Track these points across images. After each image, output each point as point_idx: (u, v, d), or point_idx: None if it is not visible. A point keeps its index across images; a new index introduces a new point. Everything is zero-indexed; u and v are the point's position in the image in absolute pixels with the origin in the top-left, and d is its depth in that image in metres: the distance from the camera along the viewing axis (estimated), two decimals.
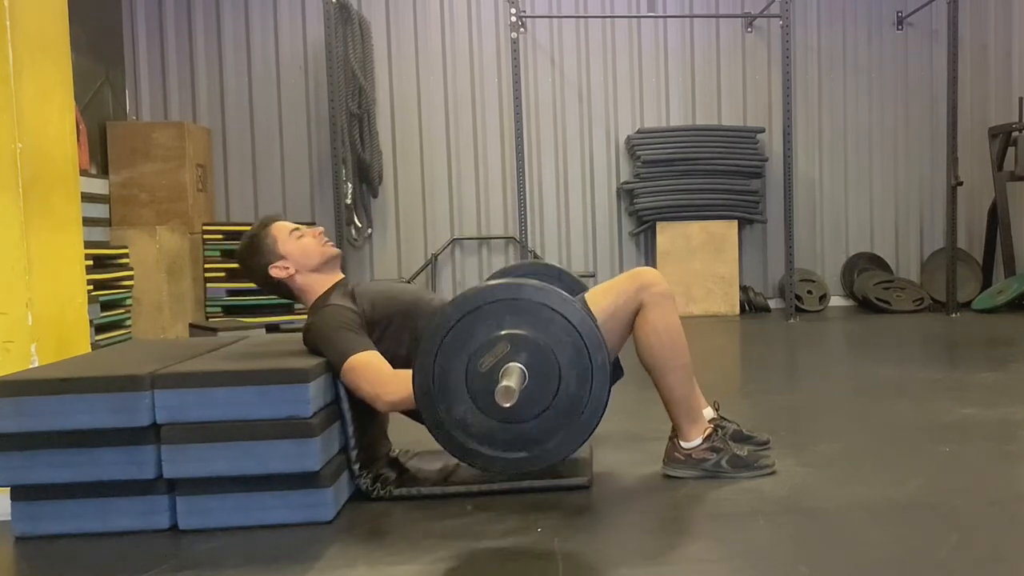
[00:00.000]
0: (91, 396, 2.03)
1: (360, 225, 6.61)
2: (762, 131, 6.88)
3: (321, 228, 2.53)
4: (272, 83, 6.77)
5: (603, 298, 2.35)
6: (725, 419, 2.44)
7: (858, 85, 7.17)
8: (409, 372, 2.20)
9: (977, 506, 2.14)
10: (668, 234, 6.64)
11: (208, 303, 5.91)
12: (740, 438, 2.41)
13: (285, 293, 2.49)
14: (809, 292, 6.84)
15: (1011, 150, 6.47)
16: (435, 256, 6.81)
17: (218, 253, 5.87)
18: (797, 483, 2.33)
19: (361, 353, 2.25)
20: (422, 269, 6.81)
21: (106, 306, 4.80)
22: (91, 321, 3.10)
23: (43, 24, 2.50)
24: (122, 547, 2.03)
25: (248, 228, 2.59)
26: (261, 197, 6.78)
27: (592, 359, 2.14)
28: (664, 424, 2.50)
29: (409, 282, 6.59)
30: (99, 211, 5.83)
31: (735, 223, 6.70)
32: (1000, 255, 6.70)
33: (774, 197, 6.90)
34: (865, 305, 6.78)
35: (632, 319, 2.37)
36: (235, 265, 2.52)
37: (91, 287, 3.99)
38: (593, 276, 6.73)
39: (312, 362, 2.17)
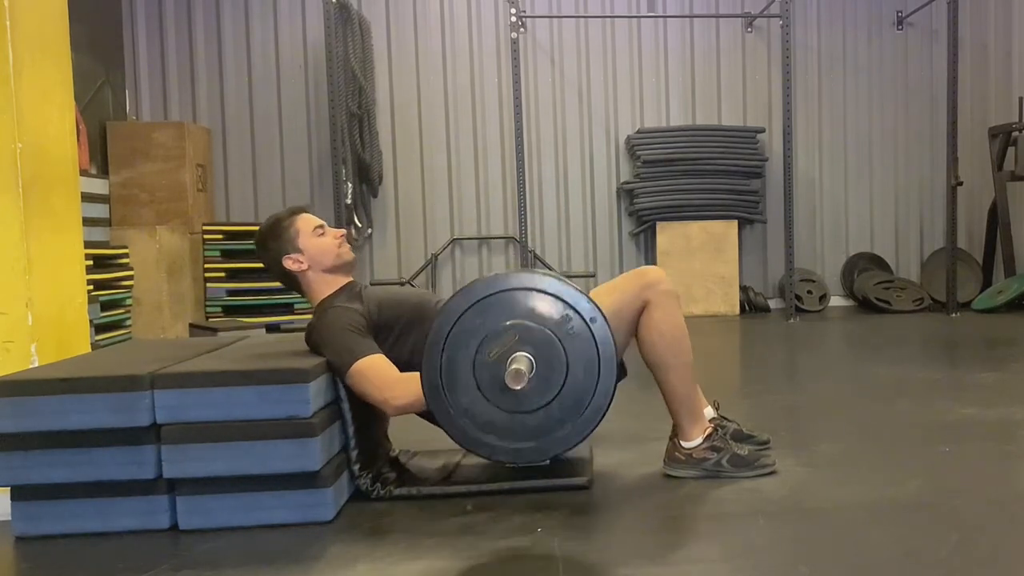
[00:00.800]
0: (91, 396, 2.03)
1: (360, 225, 6.61)
2: (762, 131, 6.88)
3: (344, 231, 2.54)
4: (272, 83, 6.77)
5: (607, 296, 2.35)
6: (725, 418, 2.44)
7: (858, 85, 7.17)
8: (416, 375, 2.20)
9: (977, 506, 2.14)
10: (668, 234, 6.64)
11: (208, 303, 5.91)
12: (740, 437, 2.42)
13: (292, 284, 2.48)
14: (809, 292, 6.84)
15: (1011, 150, 6.46)
16: (435, 256, 6.81)
17: (218, 253, 5.87)
18: (797, 483, 2.33)
19: (367, 357, 2.25)
20: (422, 269, 6.81)
21: (106, 306, 4.80)
22: (91, 321, 3.10)
23: (43, 24, 2.50)
24: (122, 547, 2.03)
25: (248, 228, 2.59)
26: (261, 197, 6.78)
27: (600, 352, 2.14)
28: (664, 424, 2.50)
29: (410, 282, 6.60)
30: (99, 211, 5.83)
31: (735, 223, 6.69)
32: (1000, 255, 6.70)
33: (774, 197, 6.90)
34: (865, 305, 6.78)
35: (636, 318, 2.37)
36: (255, 264, 2.53)
37: (91, 287, 3.99)
38: (593, 276, 6.73)
39: (312, 362, 2.17)
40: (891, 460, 2.57)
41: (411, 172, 6.89)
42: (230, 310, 5.91)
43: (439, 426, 2.24)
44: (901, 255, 7.27)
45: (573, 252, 7.00)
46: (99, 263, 4.81)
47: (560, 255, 6.97)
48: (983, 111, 7.14)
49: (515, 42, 6.42)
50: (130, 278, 5.17)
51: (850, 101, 7.18)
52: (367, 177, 6.56)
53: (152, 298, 5.57)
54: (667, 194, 6.65)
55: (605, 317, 2.16)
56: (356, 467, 2.29)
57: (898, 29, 7.17)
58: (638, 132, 6.84)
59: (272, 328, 5.69)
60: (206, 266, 5.90)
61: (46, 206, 2.45)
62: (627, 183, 6.89)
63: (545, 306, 2.14)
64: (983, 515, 2.08)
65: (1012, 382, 3.73)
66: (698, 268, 6.60)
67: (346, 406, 2.28)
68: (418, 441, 2.75)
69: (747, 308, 6.80)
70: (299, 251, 2.43)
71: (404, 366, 2.30)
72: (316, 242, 2.45)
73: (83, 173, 5.26)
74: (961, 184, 6.31)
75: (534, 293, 2.14)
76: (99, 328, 4.57)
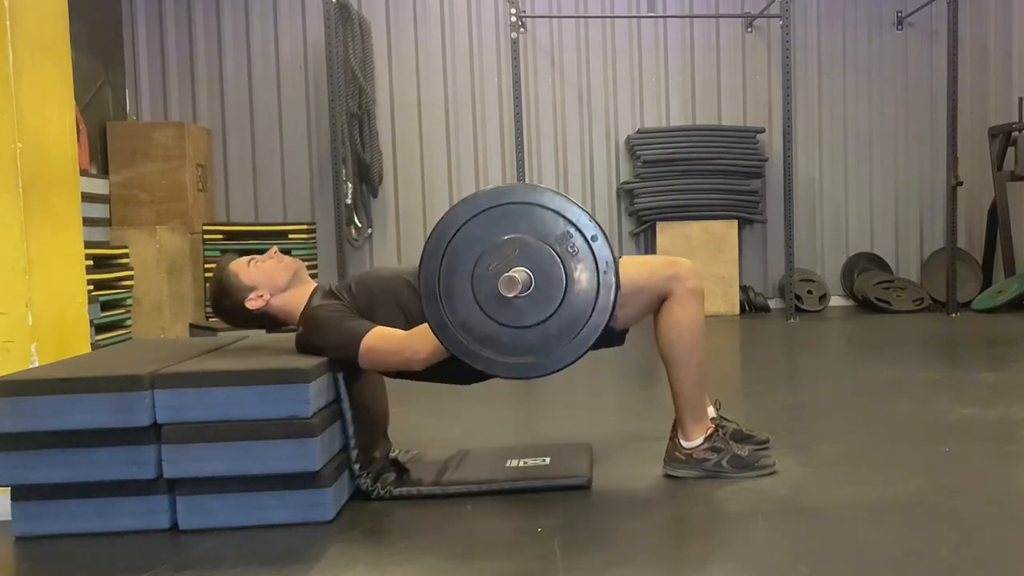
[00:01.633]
0: (91, 396, 2.03)
1: (360, 225, 6.61)
2: (762, 131, 6.87)
3: (274, 248, 2.51)
4: (272, 83, 6.77)
5: (636, 271, 2.32)
6: (725, 419, 2.44)
7: (858, 85, 7.17)
8: (423, 325, 2.17)
9: (977, 506, 2.14)
10: (668, 234, 6.64)
11: (208, 303, 5.90)
12: (740, 438, 2.41)
13: (270, 321, 2.48)
14: (809, 292, 6.84)
15: (1011, 150, 6.46)
16: None
17: (218, 253, 5.86)
18: (797, 483, 2.33)
19: (370, 332, 2.24)
20: None
21: (106, 306, 4.80)
22: (91, 321, 3.10)
23: (43, 24, 2.50)
24: (122, 547, 2.03)
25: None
26: (261, 197, 6.78)
27: (600, 271, 2.08)
28: (664, 424, 2.50)
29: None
30: (99, 211, 5.82)
31: (735, 223, 6.69)
32: (1000, 255, 6.70)
33: (774, 197, 6.90)
34: (865, 305, 6.78)
35: (655, 302, 2.34)
36: (231, 326, 2.54)
37: (91, 287, 3.98)
38: None
39: (312, 362, 2.17)
40: (891, 460, 2.57)
41: (411, 172, 6.89)
42: None
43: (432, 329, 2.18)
44: (901, 255, 7.27)
45: None
46: (99, 263, 4.80)
47: None
48: (983, 111, 7.14)
49: (515, 42, 6.42)
50: (130, 278, 5.16)
51: (850, 101, 7.17)
52: (367, 177, 6.56)
53: (152, 298, 5.57)
54: (667, 194, 6.65)
55: (607, 236, 2.11)
56: (356, 467, 2.29)
57: (898, 29, 7.17)
58: (638, 132, 6.84)
59: (272, 328, 5.68)
60: (206, 266, 5.90)
61: (46, 206, 2.45)
62: (627, 183, 6.89)
63: (547, 222, 2.08)
64: (983, 515, 2.08)
65: (1012, 382, 3.73)
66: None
67: (346, 406, 2.28)
68: (418, 441, 2.76)
69: (747, 308, 6.80)
70: (251, 288, 2.42)
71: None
72: (259, 271, 2.44)
73: (83, 173, 5.26)
74: (961, 184, 6.31)
75: (537, 208, 2.09)
76: (99, 328, 4.57)
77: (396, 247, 6.88)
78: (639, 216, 6.79)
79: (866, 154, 7.20)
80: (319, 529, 2.09)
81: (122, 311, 5.02)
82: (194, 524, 2.10)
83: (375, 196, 6.75)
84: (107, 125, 5.98)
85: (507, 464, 2.50)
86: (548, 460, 2.52)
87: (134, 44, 6.60)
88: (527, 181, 6.65)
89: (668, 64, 7.03)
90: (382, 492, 2.29)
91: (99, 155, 5.91)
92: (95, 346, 3.27)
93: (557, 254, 2.07)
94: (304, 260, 6.02)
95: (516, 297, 2.02)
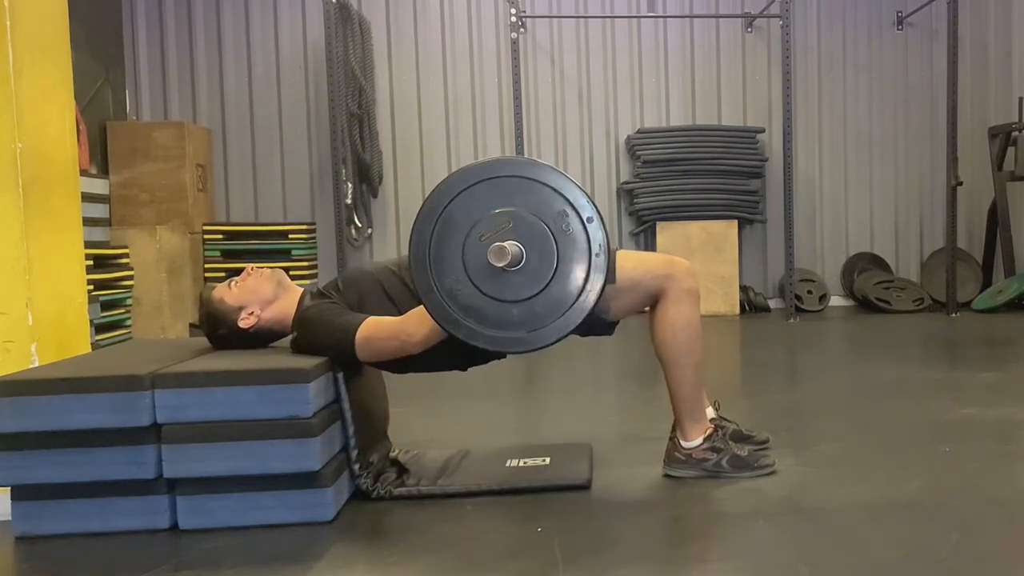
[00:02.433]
0: (91, 396, 2.03)
1: (360, 225, 6.61)
2: (762, 131, 6.87)
3: (250, 266, 2.50)
4: (272, 83, 6.77)
5: (633, 267, 2.32)
6: (725, 419, 2.44)
7: (858, 85, 7.16)
8: (416, 309, 2.17)
9: (977, 506, 2.14)
10: (668, 234, 6.64)
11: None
12: (740, 438, 2.41)
13: (267, 336, 2.46)
14: (809, 292, 6.84)
15: (1011, 150, 6.46)
16: None
17: (218, 253, 5.87)
18: (797, 483, 2.33)
19: (363, 323, 2.24)
20: None
21: (106, 306, 4.80)
22: (91, 321, 3.10)
23: (43, 24, 2.50)
24: (122, 547, 2.03)
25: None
26: (261, 197, 6.78)
27: (592, 258, 2.06)
28: (664, 424, 2.50)
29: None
30: (99, 211, 5.83)
31: (735, 223, 6.69)
32: (1000, 255, 6.70)
33: (774, 197, 6.90)
34: (865, 305, 6.78)
35: (648, 298, 2.34)
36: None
37: (91, 287, 3.98)
38: None
39: (312, 362, 2.17)
40: (891, 460, 2.57)
41: (411, 172, 6.89)
42: None
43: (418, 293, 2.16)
44: (901, 255, 7.27)
45: None
46: (99, 263, 4.80)
47: None
48: (983, 111, 7.14)
49: (515, 42, 6.42)
50: (130, 278, 5.16)
51: (850, 101, 7.17)
52: (367, 177, 6.56)
53: (152, 298, 5.57)
54: (667, 194, 6.64)
55: (603, 219, 2.09)
56: (356, 467, 2.29)
57: (898, 29, 7.16)
58: (638, 132, 6.84)
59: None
60: (206, 266, 5.90)
61: (46, 206, 2.45)
62: (627, 183, 6.89)
63: (544, 198, 2.06)
64: (983, 515, 2.08)
65: (1012, 382, 3.73)
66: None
67: (346, 406, 2.28)
68: (418, 441, 2.76)
69: (747, 308, 6.79)
70: (239, 308, 2.41)
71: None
72: (242, 289, 2.42)
73: (83, 173, 5.26)
74: (961, 184, 6.31)
75: (534, 183, 2.07)
76: (99, 328, 4.57)
77: (396, 247, 6.88)
78: (639, 216, 6.79)
79: (866, 154, 7.20)
80: (319, 529, 2.09)
81: (122, 311, 5.02)
82: (194, 524, 2.10)
83: (375, 196, 6.76)
84: (107, 125, 5.98)
85: (507, 464, 2.50)
86: (548, 460, 2.52)
87: (134, 44, 6.60)
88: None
89: (668, 64, 7.03)
90: (382, 492, 2.29)
91: (99, 155, 5.91)
92: (95, 346, 3.27)
93: (551, 231, 2.05)
94: (304, 260, 6.09)
95: (505, 269, 2.00)
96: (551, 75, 6.96)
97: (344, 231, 6.29)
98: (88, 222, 4.65)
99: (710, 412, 2.44)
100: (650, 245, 6.89)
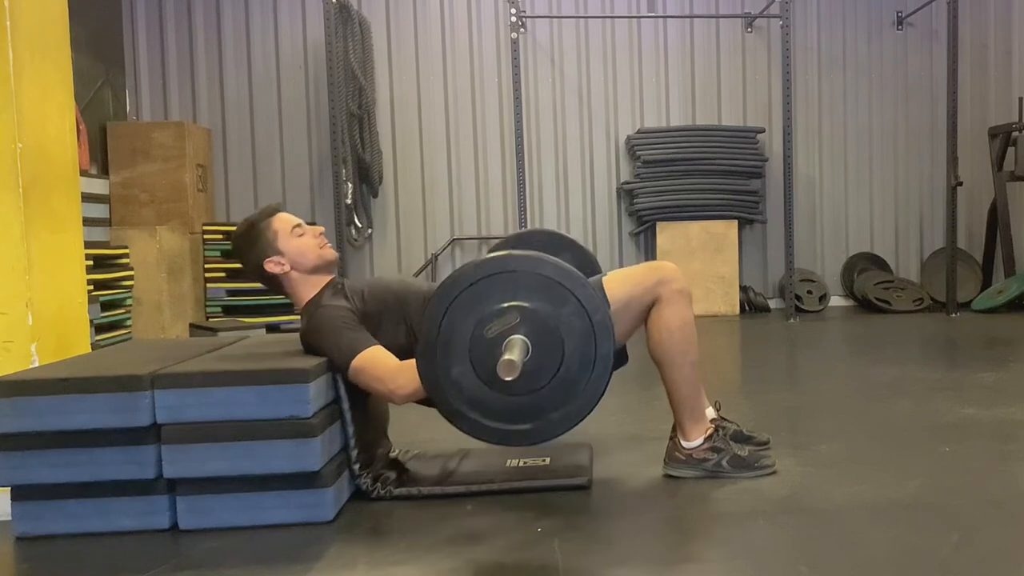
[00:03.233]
0: (91, 396, 2.03)
1: (360, 225, 6.61)
2: (762, 131, 6.87)
3: (322, 228, 2.48)
4: (272, 83, 6.77)
5: (620, 287, 2.34)
6: (726, 419, 2.44)
7: (858, 85, 7.17)
8: (413, 362, 2.19)
9: (977, 506, 2.14)
10: (668, 234, 6.64)
11: (208, 303, 5.91)
12: (740, 438, 2.41)
13: (275, 287, 2.45)
14: (809, 292, 6.84)
15: (1011, 150, 6.46)
16: (435, 256, 6.81)
17: (218, 253, 5.86)
18: (797, 483, 2.33)
19: (366, 351, 2.24)
20: (422, 269, 6.81)
21: (106, 306, 4.80)
22: (91, 321, 3.10)
23: (43, 24, 2.50)
24: (122, 547, 2.03)
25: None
26: (261, 197, 6.76)
27: (598, 347, 2.12)
28: (664, 424, 2.50)
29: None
30: (99, 211, 5.82)
31: (735, 223, 6.69)
32: (1000, 255, 6.70)
33: (774, 197, 6.90)
34: (865, 305, 6.78)
35: (645, 311, 2.36)
36: (236, 264, 2.49)
37: (91, 287, 3.98)
38: None
39: (312, 362, 2.17)
40: (891, 460, 2.57)
41: (411, 172, 6.89)
42: (230, 310, 5.90)
43: (432, 403, 2.21)
44: (901, 255, 7.27)
45: None
46: (99, 263, 4.80)
47: None
48: (983, 111, 7.14)
49: (515, 42, 6.42)
50: (130, 278, 5.16)
51: (850, 101, 7.17)
52: (367, 177, 6.56)
53: (152, 298, 5.57)
54: (667, 194, 6.65)
55: (609, 311, 2.15)
56: (356, 467, 2.29)
57: (898, 29, 7.16)
58: (638, 132, 6.84)
59: (272, 328, 5.69)
60: (206, 266, 5.90)
61: (46, 206, 2.45)
62: (627, 183, 6.89)
63: (551, 293, 2.11)
64: (983, 515, 2.08)
65: (1012, 382, 3.73)
66: (698, 268, 6.60)
67: (346, 406, 2.28)
68: (418, 441, 2.75)
69: (747, 308, 6.80)
70: (279, 253, 2.39)
71: (400, 350, 2.28)
72: (296, 243, 2.40)
73: (83, 173, 5.26)
74: (961, 184, 6.31)
75: (543, 279, 2.12)
76: (99, 328, 4.57)
77: (396, 247, 6.88)
78: (639, 216, 6.79)
79: (866, 154, 7.20)
80: (319, 529, 2.09)
81: (122, 311, 5.02)
82: (194, 524, 2.10)
83: (375, 196, 6.75)
84: (107, 125, 5.98)
85: (507, 464, 2.50)
86: (548, 460, 2.52)
87: (134, 44, 6.60)
88: (527, 182, 6.63)
89: (668, 64, 7.03)
90: (382, 492, 2.29)
91: (99, 155, 5.91)
92: (95, 346, 3.27)
93: (557, 327, 2.10)
94: None
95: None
96: (551, 75, 6.96)
97: (344, 231, 6.29)
98: (88, 222, 4.66)
99: (710, 412, 2.44)
100: (650, 245, 6.90)
